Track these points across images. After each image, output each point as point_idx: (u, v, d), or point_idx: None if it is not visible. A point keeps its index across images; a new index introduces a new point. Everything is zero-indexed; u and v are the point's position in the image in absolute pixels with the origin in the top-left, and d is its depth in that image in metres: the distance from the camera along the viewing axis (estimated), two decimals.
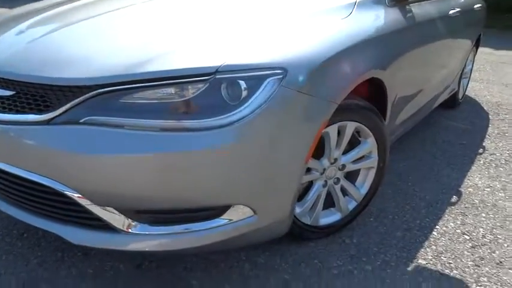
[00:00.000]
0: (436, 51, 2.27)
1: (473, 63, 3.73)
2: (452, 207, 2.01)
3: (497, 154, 2.67)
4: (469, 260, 1.64)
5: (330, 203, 1.69)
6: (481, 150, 2.71)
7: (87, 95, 1.16)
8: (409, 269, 1.57)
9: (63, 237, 1.24)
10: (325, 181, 1.62)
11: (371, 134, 1.63)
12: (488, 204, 2.05)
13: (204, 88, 1.17)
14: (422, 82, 2.24)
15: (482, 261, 1.63)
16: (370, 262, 1.59)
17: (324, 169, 1.58)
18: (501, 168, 2.46)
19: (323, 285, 1.46)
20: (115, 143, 1.13)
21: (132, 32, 1.42)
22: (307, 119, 1.28)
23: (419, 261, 1.61)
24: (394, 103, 1.87)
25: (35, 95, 1.21)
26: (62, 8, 1.75)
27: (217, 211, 1.25)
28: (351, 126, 1.55)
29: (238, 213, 1.27)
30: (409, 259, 1.62)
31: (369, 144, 1.66)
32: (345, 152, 1.63)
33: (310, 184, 1.61)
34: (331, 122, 1.44)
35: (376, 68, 1.57)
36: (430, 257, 1.64)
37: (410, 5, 1.99)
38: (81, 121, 1.16)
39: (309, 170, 1.55)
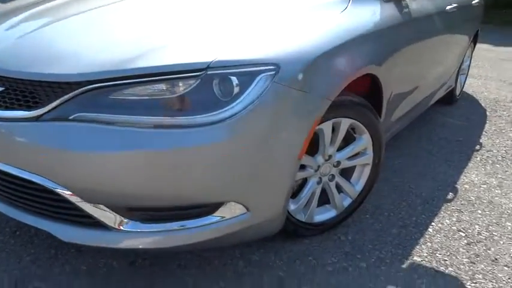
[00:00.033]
0: (432, 47, 2.25)
1: (470, 60, 3.72)
2: (448, 204, 2.00)
3: (494, 151, 2.67)
4: (464, 257, 1.63)
5: (325, 199, 1.69)
6: (477, 147, 2.71)
7: (76, 91, 1.15)
8: (404, 266, 1.56)
9: (53, 235, 1.23)
10: (320, 178, 1.61)
11: (366, 130, 1.62)
12: (484, 201, 2.04)
13: (195, 84, 1.15)
14: (418, 78, 2.22)
15: (478, 258, 1.62)
16: (365, 259, 1.58)
17: (319, 166, 1.57)
18: (498, 165, 2.46)
19: (317, 283, 1.46)
20: (104, 140, 1.11)
21: (123, 27, 1.40)
22: (300, 115, 1.27)
23: (415, 258, 1.61)
24: (390, 100, 1.86)
25: (24, 91, 1.20)
26: (53, 3, 1.74)
27: (210, 208, 1.24)
28: (345, 123, 1.54)
29: (230, 211, 1.26)
30: (404, 256, 1.61)
31: (364, 141, 1.65)
32: (339, 149, 1.62)
33: (305, 181, 1.60)
34: (325, 119, 1.43)
35: (371, 64, 1.56)
36: (425, 254, 1.63)
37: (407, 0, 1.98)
38: (70, 118, 1.14)
39: (303, 166, 1.54)
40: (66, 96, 1.15)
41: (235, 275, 1.48)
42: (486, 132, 2.98)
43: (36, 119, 1.17)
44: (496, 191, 2.16)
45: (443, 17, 2.38)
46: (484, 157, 2.56)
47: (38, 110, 1.17)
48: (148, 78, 1.15)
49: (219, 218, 1.25)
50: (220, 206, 1.24)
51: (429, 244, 1.69)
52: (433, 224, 1.83)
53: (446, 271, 1.55)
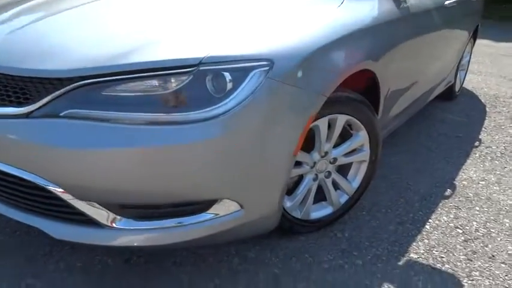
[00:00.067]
0: (431, 42, 2.23)
1: (470, 55, 3.70)
2: (446, 200, 1.99)
3: (493, 147, 2.65)
4: (461, 254, 1.62)
5: (321, 196, 1.67)
6: (477, 143, 2.69)
7: (67, 87, 1.14)
8: (400, 263, 1.55)
9: (45, 232, 1.22)
10: (316, 175, 1.59)
11: (362, 127, 1.60)
12: (483, 198, 2.03)
13: (187, 80, 1.14)
14: (417, 74, 2.20)
15: (475, 255, 1.61)
16: (361, 256, 1.57)
17: (315, 162, 1.56)
18: (496, 161, 2.44)
19: (313, 280, 1.45)
20: (96, 136, 1.10)
21: (116, 22, 1.39)
22: (294, 111, 1.25)
23: (411, 255, 1.60)
24: (387, 96, 1.84)
25: (15, 87, 1.18)
26: None
27: (203, 205, 1.23)
28: (341, 119, 1.52)
29: (224, 208, 1.24)
30: (400, 253, 1.60)
31: (361, 138, 1.63)
32: (336, 146, 1.61)
33: (301, 178, 1.58)
34: (320, 115, 1.42)
35: (368, 59, 1.54)
36: (422, 251, 1.62)
37: None
38: (61, 114, 1.13)
39: (299, 163, 1.53)
40: (57, 93, 1.14)
41: (230, 272, 1.47)
42: (485, 129, 2.96)
43: (27, 115, 1.15)
44: (494, 187, 2.14)
45: (442, 11, 2.36)
46: (482, 153, 2.55)
47: (29, 107, 1.16)
48: (140, 74, 1.14)
49: (213, 215, 1.24)
50: (214, 203, 1.23)
51: (426, 241, 1.68)
52: (430, 220, 1.82)
53: (443, 268, 1.54)
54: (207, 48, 1.17)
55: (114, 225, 1.21)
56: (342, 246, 1.63)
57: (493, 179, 2.23)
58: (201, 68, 1.14)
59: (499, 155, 2.54)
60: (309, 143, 1.53)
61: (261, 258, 1.54)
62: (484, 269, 1.55)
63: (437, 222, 1.82)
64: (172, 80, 1.14)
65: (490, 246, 1.68)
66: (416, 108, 2.54)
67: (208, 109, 1.14)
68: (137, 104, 1.14)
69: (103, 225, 1.21)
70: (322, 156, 1.57)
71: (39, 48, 1.26)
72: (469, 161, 2.42)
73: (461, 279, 1.49)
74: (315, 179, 1.59)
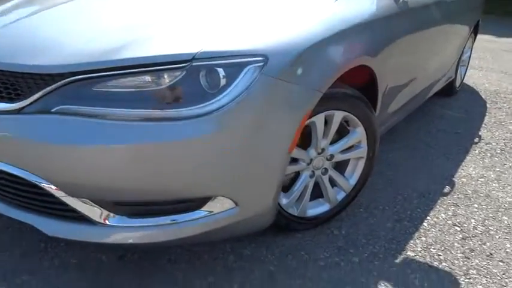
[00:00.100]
0: (430, 38, 2.21)
1: (471, 51, 3.67)
2: (445, 197, 1.98)
3: (493, 143, 2.63)
4: (458, 252, 1.61)
5: (318, 193, 1.66)
6: (476, 140, 2.67)
7: (59, 83, 1.12)
8: (397, 261, 1.54)
9: (38, 228, 1.21)
10: (313, 171, 1.58)
11: (360, 123, 1.58)
12: (481, 195, 2.02)
13: (181, 76, 1.12)
14: (416, 70, 2.18)
15: (472, 253, 1.60)
16: (358, 254, 1.56)
17: (311, 159, 1.54)
18: (496, 158, 2.42)
19: (309, 278, 1.44)
20: (87, 133, 1.09)
21: (110, 16, 1.37)
22: (289, 108, 1.24)
23: (408, 253, 1.58)
24: (386, 92, 1.82)
25: (6, 82, 1.17)
26: None
27: (197, 203, 1.21)
28: (338, 116, 1.50)
29: (219, 205, 1.23)
30: (397, 251, 1.59)
31: (358, 134, 1.62)
32: (333, 142, 1.59)
33: (297, 174, 1.57)
34: (317, 111, 1.40)
35: (365, 55, 1.52)
36: (419, 249, 1.61)
37: None
38: (52, 110, 1.11)
39: (295, 160, 1.51)
40: (48, 88, 1.13)
41: (225, 270, 1.46)
42: (486, 125, 2.94)
43: (18, 111, 1.14)
44: (494, 184, 2.13)
45: (442, 6, 2.33)
46: (482, 150, 2.53)
47: (20, 103, 1.14)
48: (132, 70, 1.12)
49: (207, 212, 1.22)
50: (208, 201, 1.22)
51: (424, 239, 1.67)
52: (428, 218, 1.81)
53: (440, 266, 1.52)
54: (200, 43, 1.15)
55: (107, 222, 1.20)
56: (339, 243, 1.62)
57: (492, 175, 2.21)
58: (194, 64, 1.12)
59: (498, 151, 2.52)
60: (305, 139, 1.52)
61: (257, 255, 1.53)
62: (482, 267, 1.53)
63: (435, 219, 1.80)
64: (165, 76, 1.13)
65: (488, 244, 1.66)
66: (416, 105, 2.52)
67: (201, 105, 1.13)
68: (130, 100, 1.12)
69: (96, 223, 1.20)
70: (319, 153, 1.55)
71: (32, 43, 1.25)
72: (468, 158, 2.41)
73: (458, 277, 1.48)
74: (311, 176, 1.58)
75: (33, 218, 1.23)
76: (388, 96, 1.88)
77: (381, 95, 1.75)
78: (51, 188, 1.15)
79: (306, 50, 1.25)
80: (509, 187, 2.10)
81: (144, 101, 1.12)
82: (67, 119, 1.10)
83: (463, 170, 2.26)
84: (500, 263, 1.56)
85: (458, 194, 2.01)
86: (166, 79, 1.13)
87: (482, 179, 2.17)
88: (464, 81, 3.83)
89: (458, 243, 1.65)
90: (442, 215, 1.84)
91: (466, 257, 1.58)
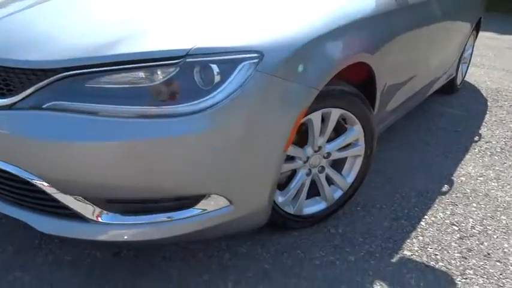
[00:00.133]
0: (431, 35, 2.18)
1: (473, 48, 3.64)
2: (443, 196, 1.96)
3: (493, 142, 2.61)
4: (456, 251, 1.59)
5: (315, 192, 1.65)
6: (476, 138, 2.65)
7: (51, 79, 1.11)
8: (394, 260, 1.53)
9: (30, 225, 1.20)
10: (309, 169, 1.56)
11: (357, 121, 1.56)
12: (480, 194, 2.00)
13: (174, 72, 1.10)
14: (415, 68, 2.16)
15: (470, 253, 1.59)
16: (354, 253, 1.55)
17: (308, 157, 1.53)
18: (496, 157, 2.41)
19: (304, 276, 1.43)
20: (79, 129, 1.07)
21: (104, 11, 1.35)
22: (285, 105, 1.22)
23: (405, 252, 1.57)
24: (384, 89, 1.80)
25: None
26: None
27: (191, 201, 1.20)
28: (335, 113, 1.49)
29: (213, 203, 1.22)
30: (394, 250, 1.58)
31: (356, 132, 1.60)
32: (330, 140, 1.58)
33: (294, 172, 1.55)
34: (313, 109, 1.38)
35: (363, 52, 1.50)
36: (416, 248, 1.60)
37: None
38: (44, 106, 1.10)
39: (292, 158, 1.50)
40: (40, 84, 1.11)
41: (220, 268, 1.45)
42: (486, 123, 2.92)
43: (10, 107, 1.13)
44: (493, 183, 2.11)
45: (443, 3, 2.31)
46: (482, 148, 2.51)
47: (12, 98, 1.13)
48: (125, 66, 1.10)
49: (200, 210, 1.21)
50: (202, 199, 1.21)
51: (421, 238, 1.66)
52: (426, 217, 1.79)
53: (437, 266, 1.51)
54: (194, 39, 1.14)
55: (100, 219, 1.19)
56: (335, 242, 1.60)
57: (491, 174, 2.20)
58: (188, 60, 1.10)
59: (498, 150, 2.50)
60: (302, 137, 1.50)
61: (252, 253, 1.52)
62: (479, 267, 1.52)
63: (433, 218, 1.79)
64: (159, 72, 1.11)
65: (485, 244, 1.65)
66: (415, 102, 2.50)
67: (195, 102, 1.11)
68: (123, 97, 1.11)
69: (89, 220, 1.19)
70: (315, 151, 1.53)
71: (25, 38, 1.24)
72: (467, 156, 2.39)
73: (454, 277, 1.46)
74: (308, 174, 1.57)
75: (25, 214, 1.22)
76: (387, 94, 1.86)
77: (379, 93, 1.73)
78: (43, 185, 1.14)
79: (302, 46, 1.23)
80: (508, 186, 2.08)
81: (137, 98, 1.11)
82: (59, 115, 1.09)
83: (462, 168, 2.24)
84: (498, 263, 1.54)
85: (456, 193, 2.00)
86: (160, 75, 1.11)
87: (481, 178, 2.15)
88: (465, 79, 3.80)
89: (456, 243, 1.64)
90: (440, 214, 1.83)
91: (463, 257, 1.57)
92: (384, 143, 2.44)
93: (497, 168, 2.27)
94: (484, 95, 3.54)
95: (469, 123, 2.88)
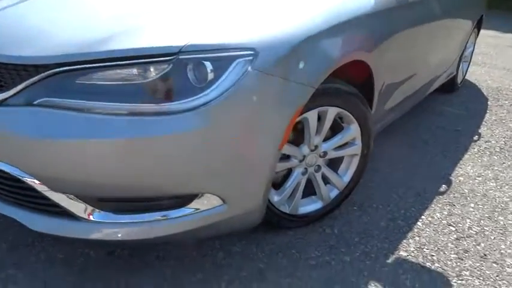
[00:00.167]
0: (431, 32, 2.16)
1: (474, 46, 3.61)
2: (441, 196, 1.95)
3: (493, 141, 2.59)
4: (452, 252, 1.58)
5: (311, 191, 1.63)
6: (476, 137, 2.63)
7: (42, 75, 1.09)
8: (389, 261, 1.51)
9: (21, 223, 1.19)
10: (305, 168, 1.55)
11: (354, 120, 1.55)
12: (478, 194, 1.98)
13: (167, 69, 1.09)
14: (415, 66, 2.13)
15: (466, 254, 1.57)
16: (350, 253, 1.54)
17: (304, 156, 1.51)
18: (495, 157, 2.39)
19: (298, 277, 1.41)
20: (71, 126, 1.06)
21: (97, 6, 1.34)
22: (280, 104, 1.20)
23: (401, 252, 1.56)
24: (383, 87, 1.78)
25: None
26: None
27: (183, 200, 1.19)
28: (332, 112, 1.47)
29: (206, 203, 1.21)
30: (390, 250, 1.56)
31: (352, 131, 1.58)
32: (327, 139, 1.56)
33: (290, 171, 1.54)
34: (309, 107, 1.37)
35: (360, 50, 1.48)
36: (412, 249, 1.58)
37: None
38: (35, 102, 1.08)
39: (287, 157, 1.48)
40: (31, 80, 1.10)
41: (214, 267, 1.44)
42: (486, 122, 2.90)
43: (0, 103, 1.11)
44: (491, 183, 2.09)
45: (443, 0, 2.28)
46: (481, 148, 2.49)
47: (3, 94, 1.11)
48: (118, 62, 1.09)
49: (193, 210, 1.20)
50: (194, 198, 1.19)
51: (417, 238, 1.64)
52: (423, 217, 1.78)
53: (433, 267, 1.50)
54: (188, 36, 1.12)
55: (91, 218, 1.17)
56: (331, 242, 1.59)
57: (490, 174, 2.18)
58: (181, 57, 1.08)
59: (498, 150, 2.48)
60: (298, 135, 1.49)
61: (247, 252, 1.51)
62: (475, 268, 1.51)
63: (430, 219, 1.78)
64: (152, 69, 1.10)
65: (482, 244, 1.63)
66: (415, 101, 2.48)
67: (189, 100, 1.10)
68: (115, 94, 1.09)
69: (80, 218, 1.17)
70: (311, 150, 1.52)
71: (17, 33, 1.22)
72: (466, 156, 2.37)
73: (450, 278, 1.45)
74: (304, 173, 1.55)
75: (17, 212, 1.21)
76: (385, 92, 1.84)
77: (377, 91, 1.71)
78: (34, 183, 1.12)
79: (297, 44, 1.22)
80: (506, 186, 2.07)
81: (129, 95, 1.09)
82: (50, 111, 1.07)
83: (460, 168, 2.23)
84: (494, 265, 1.53)
85: (454, 193, 1.98)
86: (153, 72, 1.09)
87: (479, 178, 2.14)
88: (466, 78, 3.78)
89: (452, 244, 1.63)
90: (437, 214, 1.81)
91: (459, 258, 1.55)
92: (381, 141, 2.42)
93: (496, 168, 2.25)
94: (484, 93, 3.52)
95: (468, 122, 2.85)
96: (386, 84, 1.82)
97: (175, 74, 1.09)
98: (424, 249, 1.58)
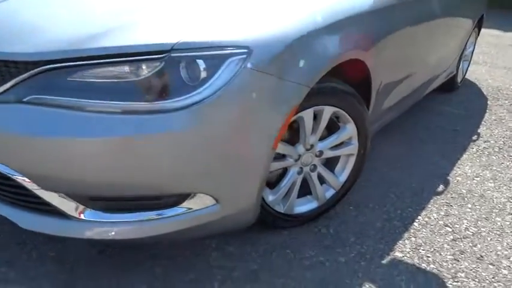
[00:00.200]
0: (430, 31, 2.14)
1: (474, 46, 3.58)
2: (438, 197, 1.93)
3: (492, 141, 2.57)
4: (448, 253, 1.57)
5: (307, 190, 1.62)
6: (475, 137, 2.61)
7: (32, 72, 1.07)
8: (384, 262, 1.50)
9: (11, 221, 1.18)
10: (301, 168, 1.53)
11: (350, 119, 1.53)
12: (476, 195, 1.97)
13: (159, 67, 1.07)
14: (413, 65, 2.11)
15: (462, 256, 1.56)
16: (345, 253, 1.53)
17: (299, 155, 1.50)
18: (494, 157, 2.37)
19: (292, 277, 1.40)
20: (60, 124, 1.04)
21: (90, 1, 1.32)
22: (274, 103, 1.18)
23: (396, 253, 1.55)
24: (380, 87, 1.76)
25: None
26: None
27: (175, 199, 1.17)
28: (328, 111, 1.45)
29: (198, 202, 1.19)
30: (385, 251, 1.55)
31: (349, 130, 1.57)
32: (323, 138, 1.54)
33: (285, 171, 1.52)
34: (305, 106, 1.35)
35: (357, 48, 1.46)
36: (407, 250, 1.57)
37: None
38: (24, 100, 1.07)
39: (283, 156, 1.47)
40: (21, 77, 1.08)
41: (207, 267, 1.42)
42: (485, 122, 2.88)
43: None
44: (489, 184, 2.08)
45: None
46: (480, 148, 2.47)
47: None
48: (109, 60, 1.07)
49: (185, 209, 1.18)
50: (187, 197, 1.18)
51: (413, 239, 1.63)
52: (419, 217, 1.77)
53: (428, 268, 1.48)
54: (180, 33, 1.10)
55: (82, 217, 1.16)
56: (326, 242, 1.58)
57: (488, 175, 2.16)
58: (173, 55, 1.07)
59: (496, 150, 2.46)
60: (294, 135, 1.47)
61: (240, 252, 1.50)
62: (471, 270, 1.49)
63: (426, 219, 1.76)
64: (144, 67, 1.08)
65: (479, 246, 1.62)
66: (413, 100, 2.46)
67: (181, 98, 1.08)
68: (106, 92, 1.07)
69: (71, 217, 1.16)
70: (307, 149, 1.50)
71: (9, 29, 1.21)
72: (465, 156, 2.35)
73: (445, 280, 1.44)
74: (299, 173, 1.54)
75: (7, 210, 1.19)
76: (383, 91, 1.82)
77: (374, 91, 1.69)
78: (24, 181, 1.11)
79: (292, 42, 1.20)
80: (504, 187, 2.05)
81: (121, 93, 1.07)
82: (39, 109, 1.06)
83: (458, 168, 2.21)
84: (490, 266, 1.52)
85: (452, 193, 1.97)
86: (145, 70, 1.08)
87: (477, 178, 2.12)
88: (466, 77, 3.75)
89: (449, 245, 1.61)
90: (434, 214, 1.80)
91: (455, 259, 1.54)
92: (379, 140, 2.40)
93: (494, 168, 2.24)
94: (484, 93, 3.49)
95: (468, 122, 2.84)
96: (384, 84, 1.80)
97: (168, 71, 1.08)
98: (420, 250, 1.57)
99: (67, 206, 1.14)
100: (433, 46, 2.30)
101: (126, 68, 1.08)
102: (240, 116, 1.14)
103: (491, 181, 2.10)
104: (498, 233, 1.71)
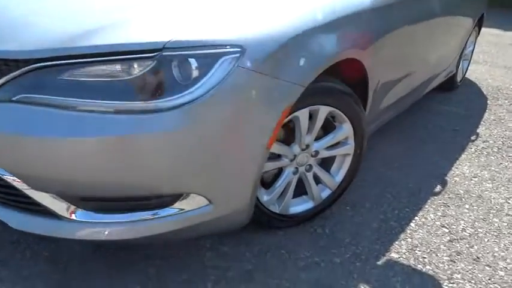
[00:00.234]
0: (429, 30, 2.12)
1: (474, 45, 3.56)
2: (435, 197, 1.92)
3: (491, 141, 2.56)
4: (444, 254, 1.55)
5: (303, 190, 1.60)
6: (473, 137, 2.60)
7: (22, 70, 1.06)
8: (380, 263, 1.49)
9: (2, 220, 1.16)
10: (296, 168, 1.52)
11: (346, 119, 1.52)
12: (473, 195, 1.95)
13: (151, 66, 1.06)
14: (412, 64, 2.10)
15: (458, 257, 1.55)
16: (340, 254, 1.51)
17: (295, 155, 1.48)
18: (492, 157, 2.35)
19: (286, 278, 1.39)
20: (49, 124, 1.03)
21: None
22: (268, 102, 1.17)
23: (392, 254, 1.53)
24: (378, 86, 1.75)
25: None
26: None
27: (168, 200, 1.16)
28: (323, 111, 1.44)
29: (191, 203, 1.18)
30: (381, 252, 1.54)
31: (345, 130, 1.55)
32: (319, 138, 1.53)
33: (280, 171, 1.51)
34: (300, 106, 1.33)
35: (354, 47, 1.44)
36: (404, 251, 1.56)
37: None
38: (14, 99, 1.05)
39: (278, 156, 1.45)
40: (11, 75, 1.07)
41: (200, 267, 1.41)
42: (484, 122, 2.86)
43: None
44: (487, 184, 2.06)
45: None
46: (479, 148, 2.45)
47: None
48: (100, 58, 1.06)
49: (177, 210, 1.17)
50: (179, 198, 1.17)
51: (409, 240, 1.62)
52: (416, 218, 1.75)
53: (424, 269, 1.47)
54: (173, 31, 1.09)
55: (73, 217, 1.15)
56: (321, 242, 1.57)
57: (486, 175, 2.15)
58: (165, 54, 1.05)
59: (495, 150, 2.45)
60: (290, 134, 1.46)
61: (235, 252, 1.49)
62: (467, 271, 1.48)
63: (423, 220, 1.75)
64: (135, 66, 1.06)
65: (475, 247, 1.61)
66: (412, 100, 2.44)
67: (173, 97, 1.06)
68: (97, 91, 1.06)
69: (62, 217, 1.15)
70: (303, 149, 1.49)
71: (1, 26, 1.19)
72: (463, 156, 2.34)
73: (441, 281, 1.43)
74: (295, 173, 1.52)
75: None
76: (381, 91, 1.80)
77: (371, 90, 1.68)
78: (14, 181, 1.10)
79: (287, 41, 1.18)
80: (502, 188, 2.04)
81: (113, 92, 1.06)
82: (28, 108, 1.04)
83: (457, 168, 2.20)
84: (487, 268, 1.51)
85: (449, 194, 1.95)
86: (137, 69, 1.06)
87: (475, 179, 2.11)
88: (466, 76, 3.73)
89: (445, 246, 1.60)
90: (431, 215, 1.78)
91: (451, 261, 1.53)
92: (377, 140, 2.39)
93: (492, 168, 2.22)
94: (484, 92, 3.48)
95: (467, 122, 2.82)
96: (382, 83, 1.78)
97: (160, 70, 1.06)
98: (416, 251, 1.56)
99: (58, 206, 1.13)
100: (432, 45, 2.28)
101: (118, 67, 1.07)
102: (233, 115, 1.12)
103: (490, 182, 2.09)
104: (495, 234, 1.69)
